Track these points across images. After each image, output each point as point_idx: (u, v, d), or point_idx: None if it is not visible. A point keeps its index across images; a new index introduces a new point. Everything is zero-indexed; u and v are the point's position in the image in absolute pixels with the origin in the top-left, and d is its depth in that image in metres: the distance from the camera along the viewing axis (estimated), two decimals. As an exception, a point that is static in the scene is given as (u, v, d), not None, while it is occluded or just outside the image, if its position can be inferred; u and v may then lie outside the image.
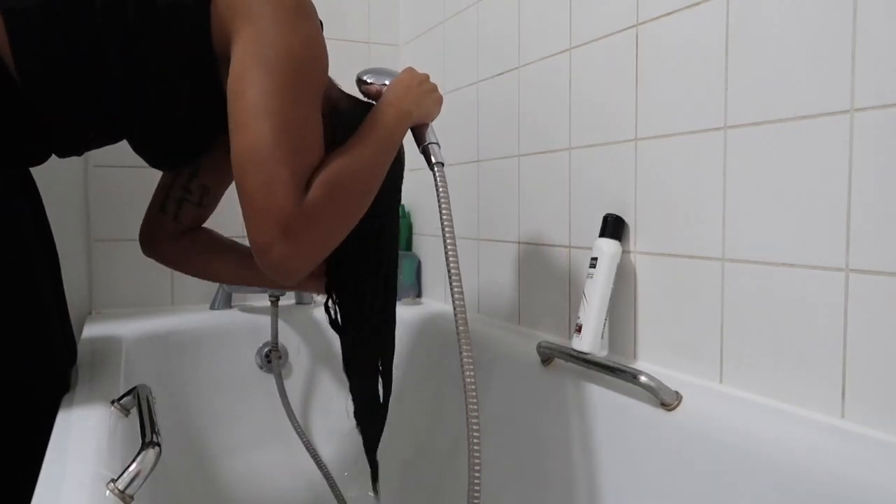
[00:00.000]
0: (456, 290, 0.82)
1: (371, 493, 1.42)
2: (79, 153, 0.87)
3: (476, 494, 0.79)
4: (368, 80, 0.91)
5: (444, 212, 0.85)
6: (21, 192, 0.79)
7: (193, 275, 1.04)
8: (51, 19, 0.73)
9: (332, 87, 0.90)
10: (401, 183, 0.97)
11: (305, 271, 0.73)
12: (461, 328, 0.82)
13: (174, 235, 1.00)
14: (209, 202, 1.02)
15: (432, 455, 1.36)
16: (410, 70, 0.91)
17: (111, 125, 0.81)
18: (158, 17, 0.75)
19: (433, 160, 0.88)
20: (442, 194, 0.86)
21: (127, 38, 0.74)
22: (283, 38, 0.71)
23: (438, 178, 0.87)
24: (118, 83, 0.76)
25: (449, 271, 0.83)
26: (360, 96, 0.92)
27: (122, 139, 0.85)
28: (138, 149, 0.86)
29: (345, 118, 0.84)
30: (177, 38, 0.75)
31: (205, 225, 1.03)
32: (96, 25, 0.74)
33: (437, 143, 0.90)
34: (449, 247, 0.84)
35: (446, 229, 0.85)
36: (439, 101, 0.93)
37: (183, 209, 0.99)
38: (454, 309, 0.83)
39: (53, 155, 0.84)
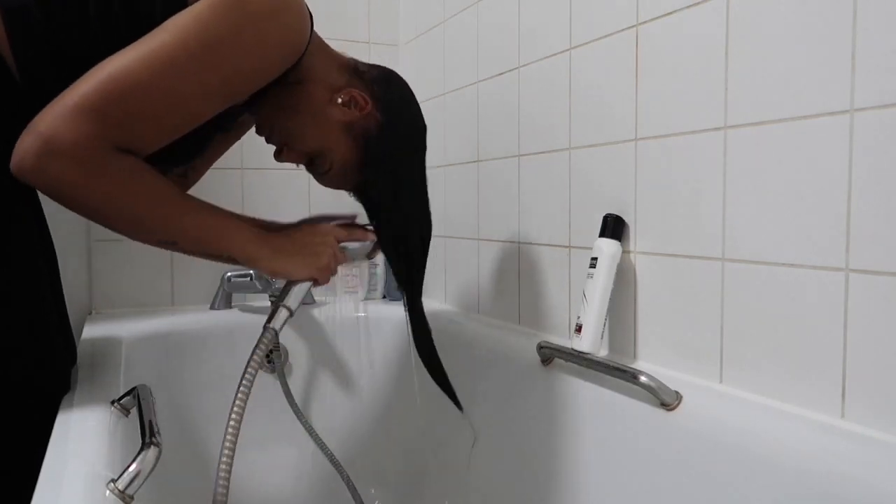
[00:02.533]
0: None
1: (372, 490, 1.42)
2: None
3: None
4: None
5: (243, 384, 0.82)
6: (20, 193, 0.79)
7: None
8: (49, 16, 0.73)
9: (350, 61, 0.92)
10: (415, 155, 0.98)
11: (30, 183, 0.70)
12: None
13: None
14: (194, 176, 1.02)
15: (431, 453, 1.36)
16: (332, 227, 0.92)
17: None
18: (147, 14, 0.75)
19: (268, 321, 0.86)
20: (253, 360, 0.83)
21: (121, 36, 0.75)
22: (201, 17, 0.72)
23: (261, 342, 0.84)
24: None
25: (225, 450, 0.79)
26: None
27: None
28: None
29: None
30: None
31: None
32: (92, 23, 0.74)
33: (290, 310, 0.87)
34: (232, 424, 0.81)
35: (238, 402, 0.80)
36: (325, 267, 0.90)
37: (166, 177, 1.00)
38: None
39: None
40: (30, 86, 0.74)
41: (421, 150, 1.00)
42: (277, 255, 0.86)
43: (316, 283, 0.89)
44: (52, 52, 0.74)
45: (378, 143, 0.93)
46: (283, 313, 0.86)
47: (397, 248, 1.00)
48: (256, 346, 0.83)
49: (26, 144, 0.67)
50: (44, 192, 0.72)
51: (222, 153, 1.07)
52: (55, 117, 0.67)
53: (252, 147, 0.96)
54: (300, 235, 0.89)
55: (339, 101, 0.90)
